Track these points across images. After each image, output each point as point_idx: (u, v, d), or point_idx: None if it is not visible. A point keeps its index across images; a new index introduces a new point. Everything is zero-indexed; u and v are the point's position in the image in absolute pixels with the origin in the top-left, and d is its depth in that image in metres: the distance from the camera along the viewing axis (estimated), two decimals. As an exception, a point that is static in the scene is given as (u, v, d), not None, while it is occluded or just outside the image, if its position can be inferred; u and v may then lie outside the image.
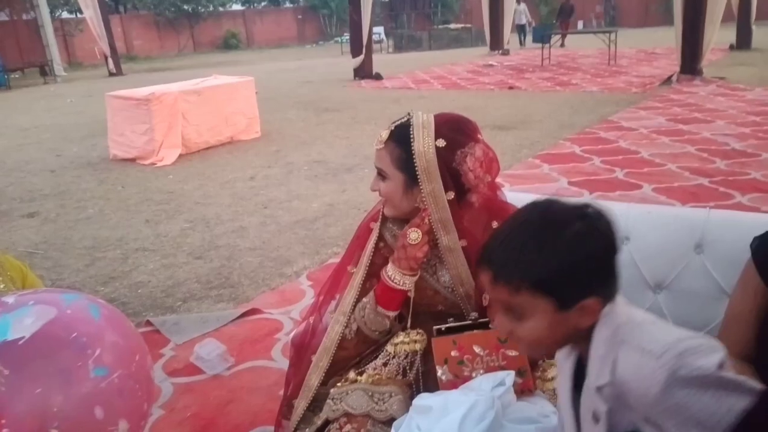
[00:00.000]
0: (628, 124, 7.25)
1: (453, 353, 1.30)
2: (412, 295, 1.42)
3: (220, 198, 5.11)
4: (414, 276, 1.40)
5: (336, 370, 1.47)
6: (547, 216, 0.94)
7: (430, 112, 1.43)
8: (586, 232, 0.92)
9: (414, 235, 1.37)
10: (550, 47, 15.36)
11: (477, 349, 1.30)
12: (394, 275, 1.38)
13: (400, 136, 1.35)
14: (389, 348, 1.41)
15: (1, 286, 1.29)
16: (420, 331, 1.42)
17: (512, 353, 1.29)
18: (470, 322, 1.36)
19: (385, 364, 1.40)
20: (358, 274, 1.46)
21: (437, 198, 1.36)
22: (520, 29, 20.91)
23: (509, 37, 17.93)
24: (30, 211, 4.95)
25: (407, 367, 1.39)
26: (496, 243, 0.96)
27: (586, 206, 0.96)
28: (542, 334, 0.95)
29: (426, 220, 1.37)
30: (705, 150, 5.76)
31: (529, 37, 20.99)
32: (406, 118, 1.38)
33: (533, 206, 0.97)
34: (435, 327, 1.36)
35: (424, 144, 1.33)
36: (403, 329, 1.43)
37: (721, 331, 1.37)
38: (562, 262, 0.90)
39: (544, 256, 0.90)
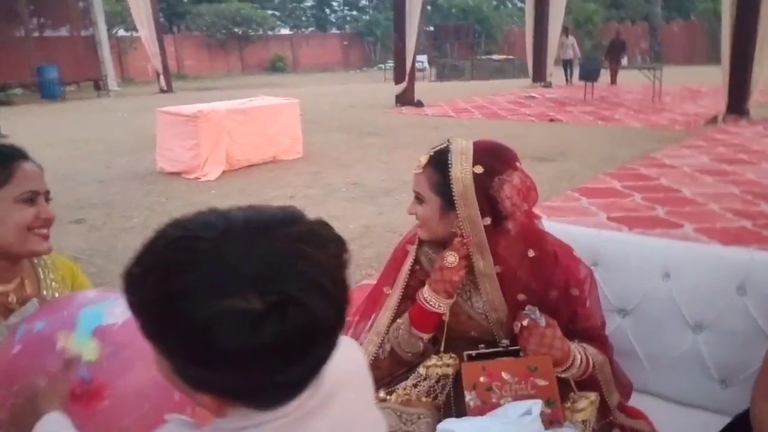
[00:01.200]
0: (671, 161, 7.14)
1: (482, 379, 1.30)
2: (446, 318, 1.43)
3: (259, 215, 5.19)
4: (450, 300, 1.41)
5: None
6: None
7: (470, 140, 1.45)
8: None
9: (451, 258, 1.39)
10: (593, 85, 15.19)
11: (506, 377, 1.30)
12: (430, 298, 1.40)
13: (439, 162, 1.38)
14: (421, 370, 1.41)
15: (54, 284, 1.35)
16: (453, 355, 1.42)
17: (542, 382, 1.29)
18: (501, 349, 1.37)
19: (415, 386, 1.41)
20: (394, 295, 1.49)
21: (474, 223, 1.38)
22: (566, 64, 18.87)
23: (552, 70, 17.89)
24: (77, 218, 5.13)
25: (438, 391, 1.39)
26: None
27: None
28: None
29: (464, 244, 1.39)
30: (749, 192, 5.63)
31: (576, 73, 18.74)
32: (445, 144, 1.41)
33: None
34: (466, 353, 1.37)
35: (462, 170, 1.36)
36: (436, 353, 1.44)
37: (761, 374, 1.34)
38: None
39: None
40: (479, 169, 1.36)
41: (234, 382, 0.66)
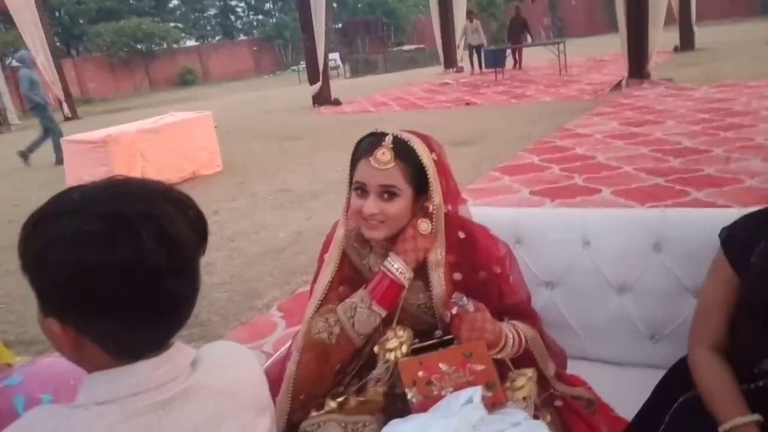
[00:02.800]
0: (584, 130, 7.41)
1: (420, 374, 1.28)
2: (404, 292, 1.39)
3: (184, 235, 5.03)
4: (412, 274, 1.38)
5: (322, 385, 1.41)
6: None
7: (391, 132, 1.42)
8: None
9: (425, 225, 1.37)
10: (502, 71, 15.48)
11: (444, 367, 1.29)
12: (400, 266, 1.36)
13: (403, 152, 1.35)
14: (378, 351, 1.36)
15: None
16: (405, 327, 1.38)
17: (479, 367, 1.29)
18: (436, 340, 1.36)
19: (358, 391, 1.38)
20: (311, 307, 1.44)
21: (439, 210, 1.38)
22: (473, 50, 17.76)
23: (462, 54, 18.21)
24: (-12, 265, 4.81)
25: (385, 379, 1.36)
26: None
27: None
28: None
29: (430, 212, 1.37)
30: (659, 150, 5.91)
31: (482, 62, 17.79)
32: (388, 137, 1.36)
33: None
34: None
35: (427, 157, 1.36)
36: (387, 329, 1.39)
37: (694, 322, 1.39)
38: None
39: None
40: (434, 156, 1.38)
41: (73, 303, 0.73)
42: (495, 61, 16.00)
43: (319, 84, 13.59)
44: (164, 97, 23.30)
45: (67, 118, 17.28)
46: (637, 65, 10.48)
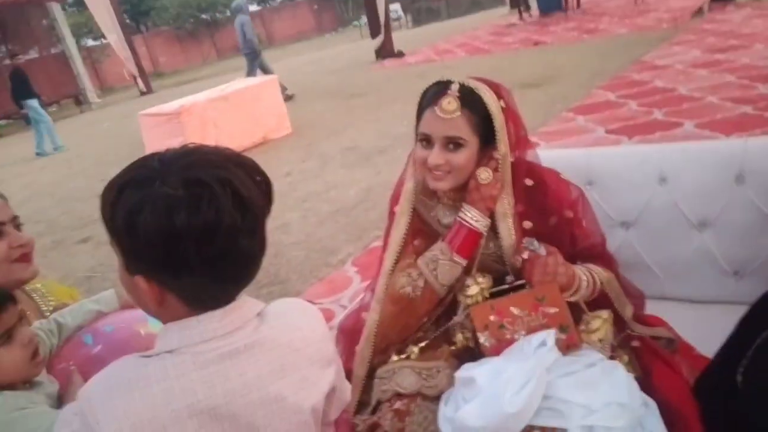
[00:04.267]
0: (662, 62, 6.99)
1: (492, 318, 1.29)
2: (483, 241, 1.39)
3: (260, 198, 5.18)
4: (488, 220, 1.38)
5: (405, 334, 1.43)
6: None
7: (457, 80, 1.38)
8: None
9: (485, 174, 1.35)
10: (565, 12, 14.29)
11: (516, 311, 1.28)
12: (474, 215, 1.36)
13: (471, 101, 1.32)
14: (460, 298, 1.38)
15: (47, 312, 1.36)
16: (485, 274, 1.39)
17: (552, 310, 1.27)
18: (507, 286, 1.35)
19: (445, 338, 1.40)
20: (388, 260, 1.46)
21: (505, 159, 1.37)
22: None
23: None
24: (83, 237, 5.15)
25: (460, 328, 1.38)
26: None
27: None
28: None
29: (494, 160, 1.35)
30: (745, 77, 5.51)
31: (533, 5, 15.91)
32: (454, 85, 1.33)
33: None
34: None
35: (496, 106, 1.34)
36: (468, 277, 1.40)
37: None
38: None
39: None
40: (503, 103, 1.35)
41: (161, 262, 0.79)
42: (548, 4, 14.50)
43: (381, 37, 13.43)
44: (231, 65, 23.73)
45: (142, 93, 17.96)
46: (721, -14, 9.72)
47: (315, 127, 7.80)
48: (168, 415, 0.81)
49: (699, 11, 9.87)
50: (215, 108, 7.03)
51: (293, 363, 0.92)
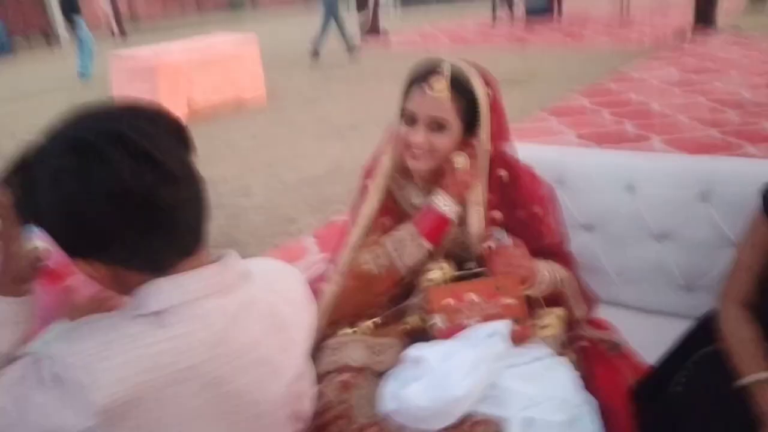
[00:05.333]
0: (639, 75, 7.10)
1: (449, 301, 1.29)
2: (453, 227, 1.39)
3: (224, 158, 5.09)
4: (459, 207, 1.36)
5: (361, 310, 1.41)
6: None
7: (449, 60, 1.36)
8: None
9: (461, 159, 1.34)
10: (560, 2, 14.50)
11: (473, 297, 1.28)
12: (446, 200, 1.35)
13: (460, 84, 1.31)
14: (423, 282, 1.37)
15: None
16: (449, 260, 1.38)
17: (509, 301, 1.28)
18: (467, 271, 1.35)
19: (399, 316, 1.40)
20: (355, 233, 1.44)
21: (484, 148, 1.35)
22: None
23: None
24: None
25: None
26: None
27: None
28: None
29: (472, 147, 1.34)
30: (717, 101, 5.63)
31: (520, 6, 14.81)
32: (446, 64, 1.31)
33: None
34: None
35: (483, 92, 1.32)
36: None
37: (728, 277, 1.35)
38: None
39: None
40: (489, 92, 1.33)
41: (85, 241, 0.73)
42: (535, 8, 14.21)
43: (368, 12, 13.25)
44: (212, 20, 23.13)
45: (114, 35, 17.35)
46: (705, 11, 9.88)
47: (290, 95, 7.68)
48: (167, 376, 0.75)
49: (681, 31, 10.03)
50: (190, 61, 6.83)
51: (279, 325, 0.88)
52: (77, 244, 0.74)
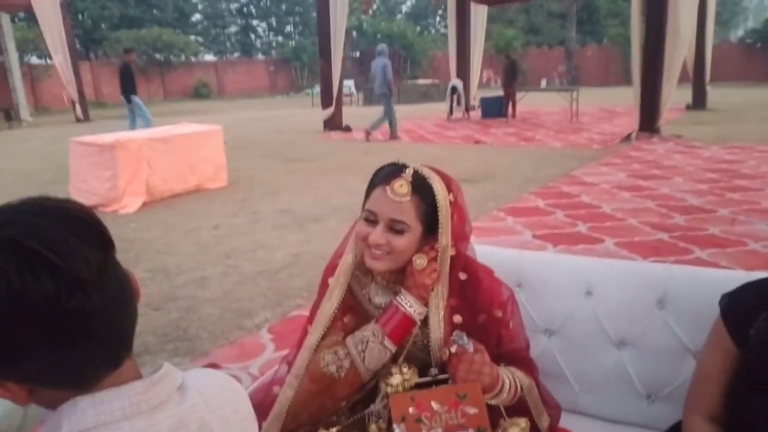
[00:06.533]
0: (590, 179, 7.41)
1: (411, 410, 1.24)
2: (416, 330, 1.36)
3: (182, 247, 5.00)
4: (425, 309, 1.35)
5: (319, 416, 1.35)
6: None
7: (412, 165, 1.39)
8: None
9: (420, 260, 1.33)
10: (515, 106, 15.44)
11: (435, 406, 1.24)
12: (410, 301, 1.33)
13: (421, 188, 1.32)
14: (384, 388, 1.32)
15: None
16: (411, 365, 1.34)
17: (472, 410, 1.24)
18: (430, 378, 1.32)
19: (358, 425, 1.34)
20: (314, 333, 1.40)
21: (445, 252, 1.35)
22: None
23: (476, 93, 18.33)
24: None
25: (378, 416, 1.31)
26: None
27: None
28: None
29: (433, 249, 1.34)
30: (664, 205, 5.90)
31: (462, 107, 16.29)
32: (406, 168, 1.34)
33: None
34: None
35: (443, 197, 1.33)
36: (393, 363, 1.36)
37: (691, 388, 1.35)
38: None
39: None
40: (451, 197, 1.35)
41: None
42: (491, 111, 15.55)
43: (331, 109, 13.69)
44: (177, 108, 23.47)
45: (78, 120, 17.39)
46: (649, 119, 10.55)
47: (252, 184, 7.72)
48: None
49: (627, 138, 10.64)
50: (152, 148, 6.84)
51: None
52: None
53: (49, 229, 0.66)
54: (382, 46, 12.45)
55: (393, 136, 12.30)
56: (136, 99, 12.02)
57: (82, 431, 0.69)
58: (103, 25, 33.21)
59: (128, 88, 12.04)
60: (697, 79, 15.89)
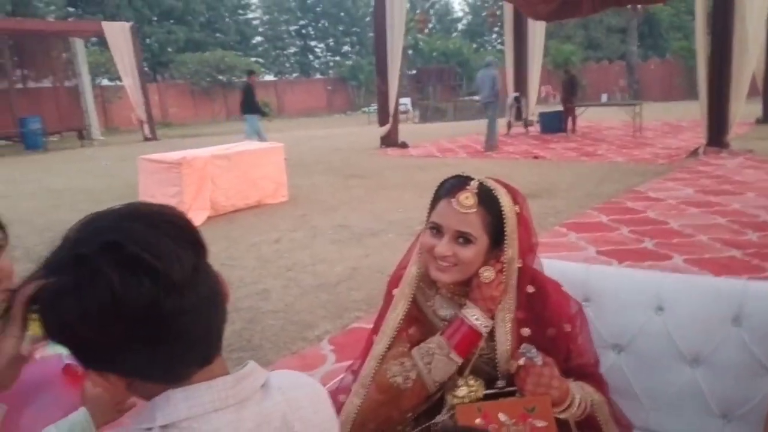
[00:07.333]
0: (656, 194, 7.19)
1: (478, 421, 1.24)
2: (482, 343, 1.35)
3: (244, 260, 5.13)
4: (491, 321, 1.34)
5: (386, 426, 1.37)
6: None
7: (477, 177, 1.40)
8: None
9: (487, 273, 1.33)
10: (575, 120, 15.26)
11: (503, 418, 1.23)
12: (477, 314, 1.33)
13: (488, 200, 1.33)
14: (451, 400, 1.32)
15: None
16: (478, 378, 1.34)
17: (540, 423, 1.23)
18: (497, 390, 1.31)
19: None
20: (380, 343, 1.41)
21: (512, 264, 1.35)
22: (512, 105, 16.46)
23: (534, 109, 18.09)
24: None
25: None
26: None
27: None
28: None
29: (500, 262, 1.34)
30: (736, 222, 5.65)
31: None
32: (474, 182, 1.34)
33: None
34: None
35: (510, 209, 1.34)
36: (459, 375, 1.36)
37: None
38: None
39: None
40: (518, 209, 1.35)
41: (95, 355, 0.71)
42: (550, 126, 15.49)
43: (388, 126, 13.81)
44: (239, 127, 24.15)
45: (146, 139, 18.14)
46: (717, 134, 10.17)
47: (311, 200, 7.85)
48: None
49: (694, 152, 10.27)
50: (216, 165, 7.08)
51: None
52: (89, 356, 0.73)
53: (149, 234, 0.70)
54: (490, 59, 13.37)
55: (490, 147, 12.43)
56: (252, 118, 12.75)
57: (175, 422, 0.73)
58: (169, 49, 34.65)
59: (248, 106, 12.85)
60: (767, 93, 15.21)
